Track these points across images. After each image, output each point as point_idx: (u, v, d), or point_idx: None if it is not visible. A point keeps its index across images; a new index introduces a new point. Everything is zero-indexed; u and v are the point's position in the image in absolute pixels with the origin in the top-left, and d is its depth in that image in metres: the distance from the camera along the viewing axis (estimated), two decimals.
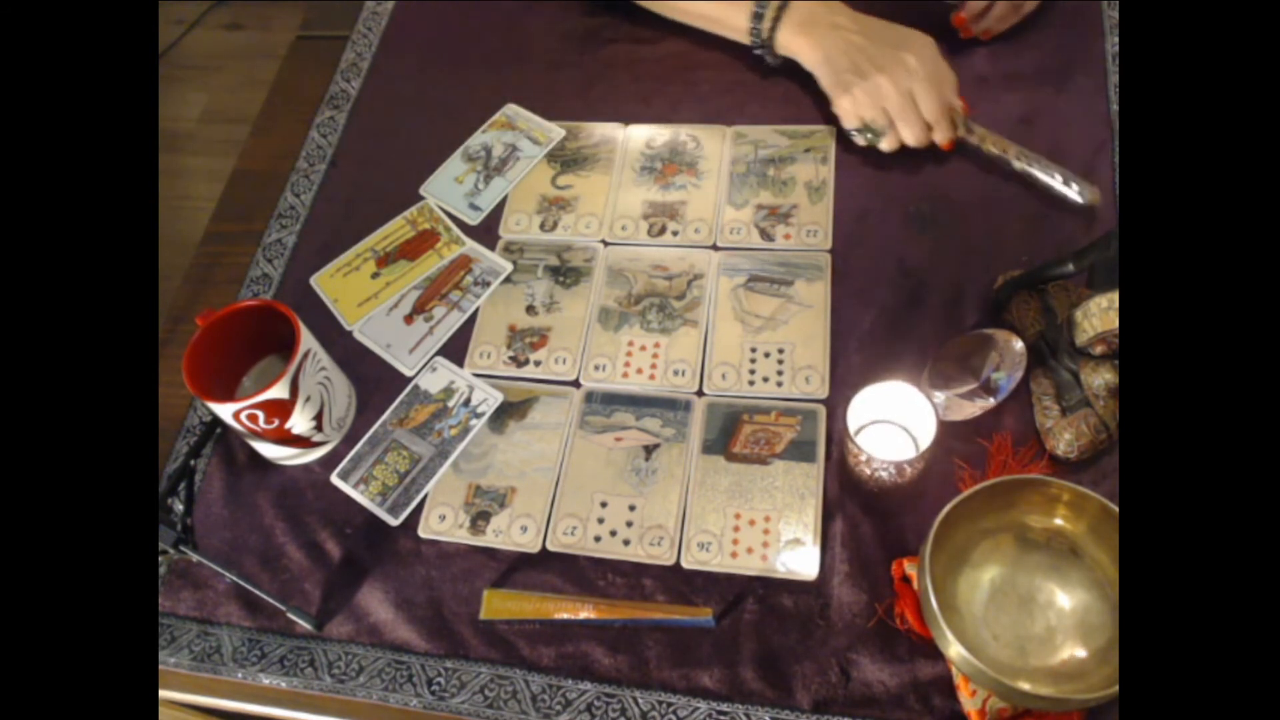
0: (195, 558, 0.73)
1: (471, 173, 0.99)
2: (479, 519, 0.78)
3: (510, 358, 0.86)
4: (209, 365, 0.77)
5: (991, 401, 0.76)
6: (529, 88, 1.04)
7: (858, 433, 0.74)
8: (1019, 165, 0.88)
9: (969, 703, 0.65)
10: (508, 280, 0.91)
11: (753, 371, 0.82)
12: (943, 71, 0.89)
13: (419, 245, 0.94)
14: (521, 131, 1.01)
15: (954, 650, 0.61)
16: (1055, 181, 0.86)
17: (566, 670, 0.71)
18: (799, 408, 0.80)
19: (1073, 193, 0.86)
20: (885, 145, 0.91)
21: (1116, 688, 0.57)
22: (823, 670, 0.69)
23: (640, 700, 0.69)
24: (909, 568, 0.69)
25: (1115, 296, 0.70)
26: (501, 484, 0.79)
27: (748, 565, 0.73)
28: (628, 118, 1.01)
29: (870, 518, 0.74)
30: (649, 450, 0.79)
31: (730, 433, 0.79)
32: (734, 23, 0.97)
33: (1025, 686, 0.60)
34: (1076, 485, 0.66)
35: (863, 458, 0.70)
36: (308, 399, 0.77)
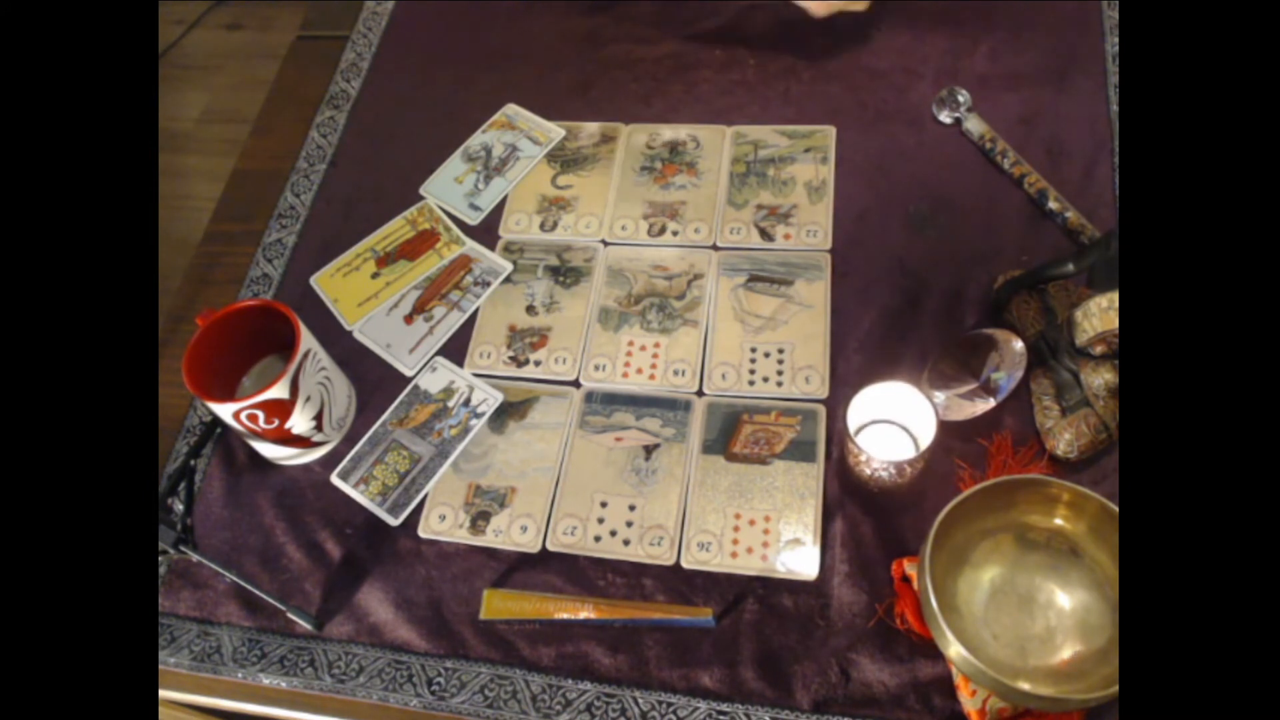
0: (195, 558, 0.73)
1: (471, 173, 0.99)
2: (479, 519, 0.78)
3: (510, 358, 0.86)
4: (209, 365, 0.77)
5: (991, 401, 0.76)
6: (529, 88, 1.04)
7: (858, 433, 0.74)
8: (1029, 190, 0.88)
9: (969, 703, 0.65)
10: (508, 280, 0.91)
11: (753, 371, 0.82)
12: None
13: (419, 245, 0.94)
14: (521, 131, 1.01)
15: (954, 650, 0.61)
16: (1056, 220, 0.86)
17: (566, 670, 0.71)
18: (799, 408, 0.80)
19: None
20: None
21: (1116, 688, 0.57)
22: (823, 670, 0.69)
23: (640, 700, 0.69)
24: (909, 568, 0.69)
25: (1115, 296, 0.70)
26: (501, 484, 0.79)
27: (748, 565, 0.73)
28: (628, 118, 1.01)
29: (870, 518, 0.74)
30: (649, 450, 0.79)
31: (730, 433, 0.79)
32: None
33: (1025, 686, 0.60)
34: (1076, 485, 0.66)
35: (863, 458, 0.70)
36: (308, 399, 0.77)
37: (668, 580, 0.74)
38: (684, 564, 0.74)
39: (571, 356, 0.85)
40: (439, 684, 0.72)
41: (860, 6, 0.97)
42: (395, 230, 0.95)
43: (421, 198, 0.97)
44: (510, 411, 0.83)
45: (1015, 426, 0.77)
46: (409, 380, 0.86)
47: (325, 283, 0.93)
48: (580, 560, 0.75)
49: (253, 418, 0.75)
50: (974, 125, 0.92)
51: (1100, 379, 0.74)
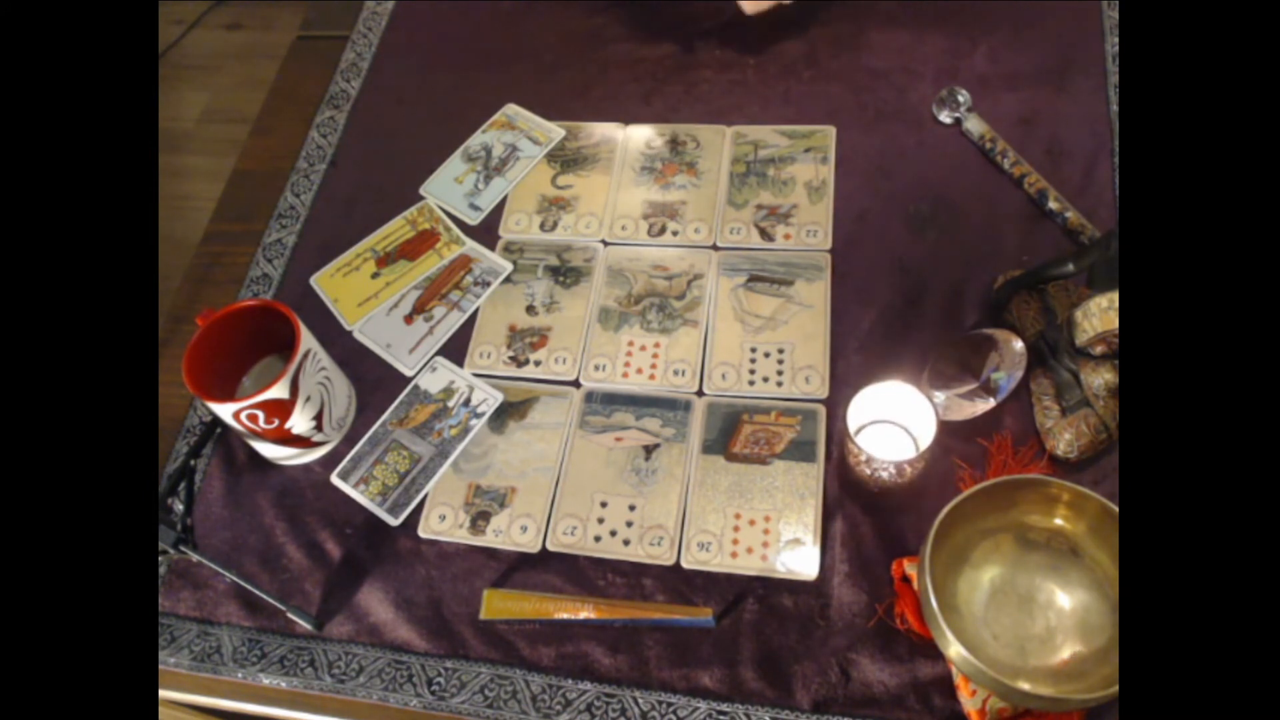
0: (195, 558, 0.73)
1: (471, 173, 0.99)
2: (479, 519, 0.78)
3: (510, 358, 0.86)
4: (209, 365, 0.77)
5: (991, 401, 0.76)
6: (529, 88, 1.04)
7: (858, 433, 0.74)
8: (1029, 190, 0.88)
9: (969, 703, 0.65)
10: (508, 280, 0.91)
11: (753, 371, 0.82)
12: None
13: (419, 245, 0.94)
14: (521, 131, 1.01)
15: (954, 650, 0.61)
16: (1056, 220, 0.86)
17: (566, 670, 0.71)
18: (799, 408, 0.80)
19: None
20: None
21: (1116, 688, 0.57)
22: (823, 670, 0.69)
23: (640, 700, 0.69)
24: (909, 568, 0.69)
25: (1115, 296, 0.70)
26: (501, 484, 0.79)
27: (748, 565, 0.73)
28: (628, 118, 1.01)
29: (870, 518, 0.74)
30: (649, 450, 0.79)
31: (730, 433, 0.79)
32: None
33: (1025, 686, 0.60)
34: (1076, 485, 0.66)
35: (863, 458, 0.70)
36: (308, 399, 0.77)
37: (668, 580, 0.74)
38: (684, 564, 0.74)
39: (571, 356, 0.85)
40: (439, 684, 0.72)
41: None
42: (395, 230, 0.95)
43: (421, 198, 0.97)
44: (510, 411, 0.83)
45: (1015, 426, 0.77)
46: (409, 380, 0.86)
47: (325, 283, 0.93)
48: (580, 560, 0.75)
49: (253, 418, 0.75)
50: (974, 125, 0.92)
51: (1100, 379, 0.74)
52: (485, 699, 0.71)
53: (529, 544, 0.76)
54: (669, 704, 0.69)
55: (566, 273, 0.90)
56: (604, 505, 0.77)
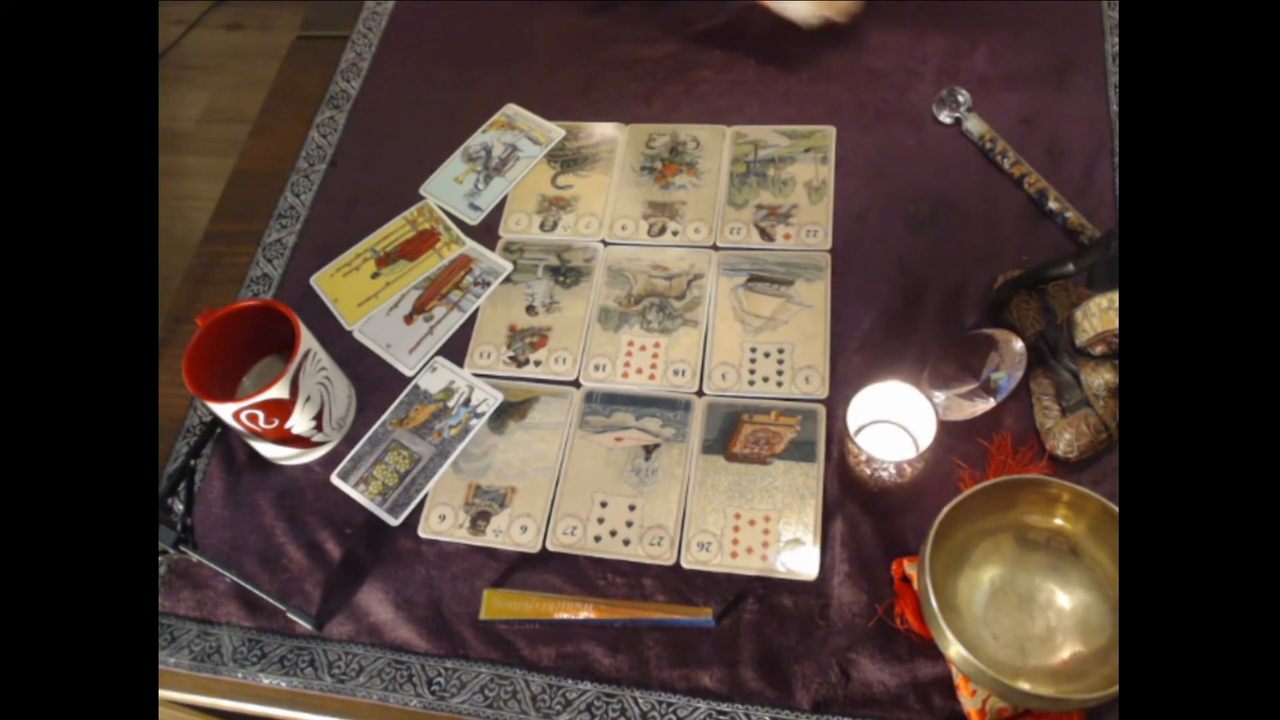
0: (195, 558, 0.73)
1: (471, 173, 0.99)
2: (479, 519, 0.78)
3: (510, 358, 0.86)
4: (209, 365, 0.77)
5: (991, 401, 0.76)
6: (529, 88, 1.04)
7: (858, 433, 0.74)
8: (1029, 190, 0.88)
9: (969, 703, 0.65)
10: (508, 280, 0.91)
11: (753, 371, 0.82)
12: None
13: (419, 245, 0.94)
14: (521, 131, 1.01)
15: (954, 650, 0.61)
16: (1056, 220, 0.86)
17: (566, 670, 0.71)
18: (799, 408, 0.80)
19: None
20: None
21: (1116, 688, 0.57)
22: (823, 670, 0.69)
23: (640, 700, 0.69)
24: (909, 568, 0.69)
25: (1115, 296, 0.70)
26: (501, 484, 0.79)
27: (748, 565, 0.73)
28: (628, 118, 1.01)
29: (870, 518, 0.74)
30: (649, 450, 0.79)
31: (730, 433, 0.79)
32: None
33: (1025, 686, 0.60)
34: (1076, 485, 0.66)
35: (863, 458, 0.70)
36: (308, 399, 0.77)
37: (668, 580, 0.74)
38: (684, 564, 0.74)
39: (571, 356, 0.85)
40: (439, 684, 0.72)
41: (839, 17, 0.98)
42: (395, 230, 0.95)
43: (421, 198, 0.97)
44: (510, 411, 0.83)
45: (1015, 426, 0.77)
46: (409, 380, 0.86)
47: (325, 283, 0.93)
48: (580, 560, 0.75)
49: (253, 418, 0.75)
50: (974, 125, 0.92)
51: (1100, 379, 0.74)
52: (485, 699, 0.71)
53: (529, 544, 0.76)
54: (669, 704, 0.69)
55: (566, 273, 0.90)
56: (604, 505, 0.77)
